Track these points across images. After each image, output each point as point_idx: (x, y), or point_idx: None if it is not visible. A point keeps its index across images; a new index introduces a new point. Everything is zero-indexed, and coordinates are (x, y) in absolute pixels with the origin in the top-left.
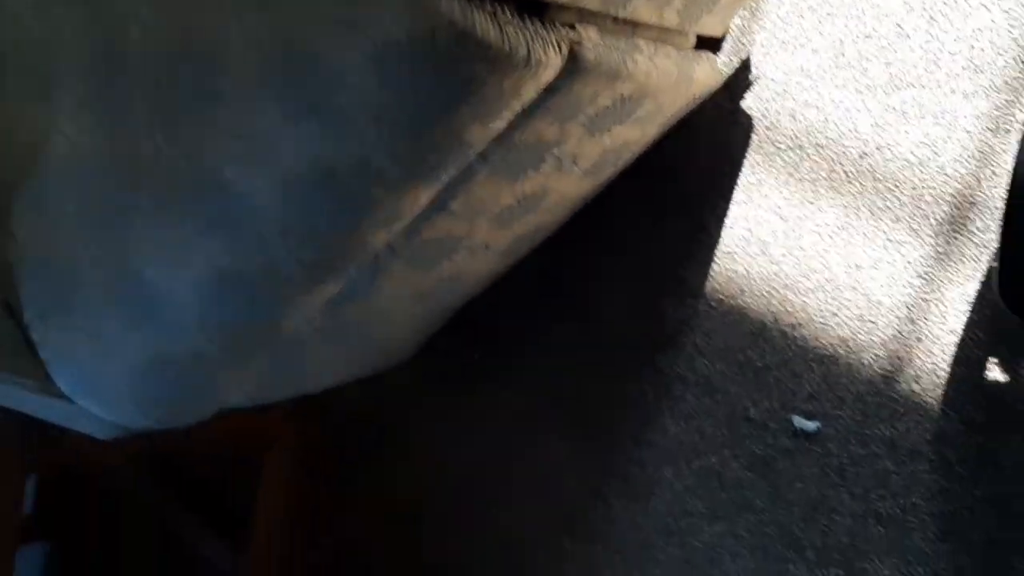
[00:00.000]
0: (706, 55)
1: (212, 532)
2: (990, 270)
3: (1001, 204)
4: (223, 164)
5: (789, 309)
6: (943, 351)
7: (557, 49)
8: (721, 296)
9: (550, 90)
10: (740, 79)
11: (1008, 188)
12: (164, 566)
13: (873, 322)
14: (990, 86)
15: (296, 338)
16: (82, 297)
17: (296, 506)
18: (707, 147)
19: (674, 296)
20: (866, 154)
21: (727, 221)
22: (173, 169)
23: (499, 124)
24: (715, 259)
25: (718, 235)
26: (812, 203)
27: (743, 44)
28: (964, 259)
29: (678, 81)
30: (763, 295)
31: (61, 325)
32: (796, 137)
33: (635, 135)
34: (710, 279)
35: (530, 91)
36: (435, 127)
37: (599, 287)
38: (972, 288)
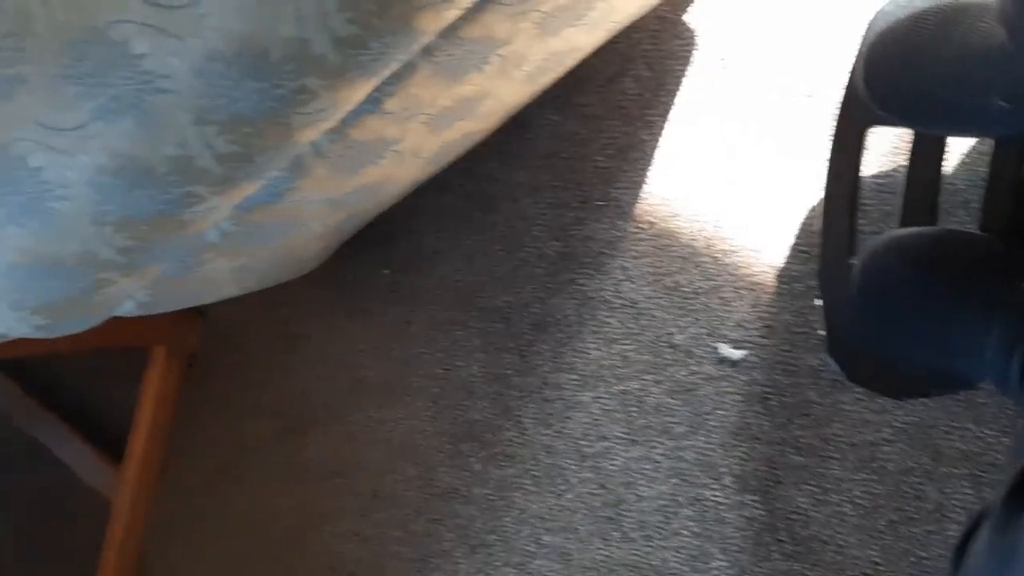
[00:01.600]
0: None
1: (85, 444)
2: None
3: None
4: (132, 36)
5: (722, 235)
6: None
7: None
8: (652, 219)
9: None
10: None
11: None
12: (32, 480)
13: (807, 252)
14: None
15: (199, 244)
16: None
17: (175, 415)
18: (646, 60)
19: (602, 216)
20: (812, 93)
21: (662, 140)
22: (68, 37)
23: (452, 13)
24: (647, 180)
25: (652, 154)
26: (753, 132)
27: None
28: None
29: None
30: (696, 220)
31: None
32: (742, 59)
33: (583, 39)
34: (641, 200)
35: None
36: (391, 7)
37: (524, 203)
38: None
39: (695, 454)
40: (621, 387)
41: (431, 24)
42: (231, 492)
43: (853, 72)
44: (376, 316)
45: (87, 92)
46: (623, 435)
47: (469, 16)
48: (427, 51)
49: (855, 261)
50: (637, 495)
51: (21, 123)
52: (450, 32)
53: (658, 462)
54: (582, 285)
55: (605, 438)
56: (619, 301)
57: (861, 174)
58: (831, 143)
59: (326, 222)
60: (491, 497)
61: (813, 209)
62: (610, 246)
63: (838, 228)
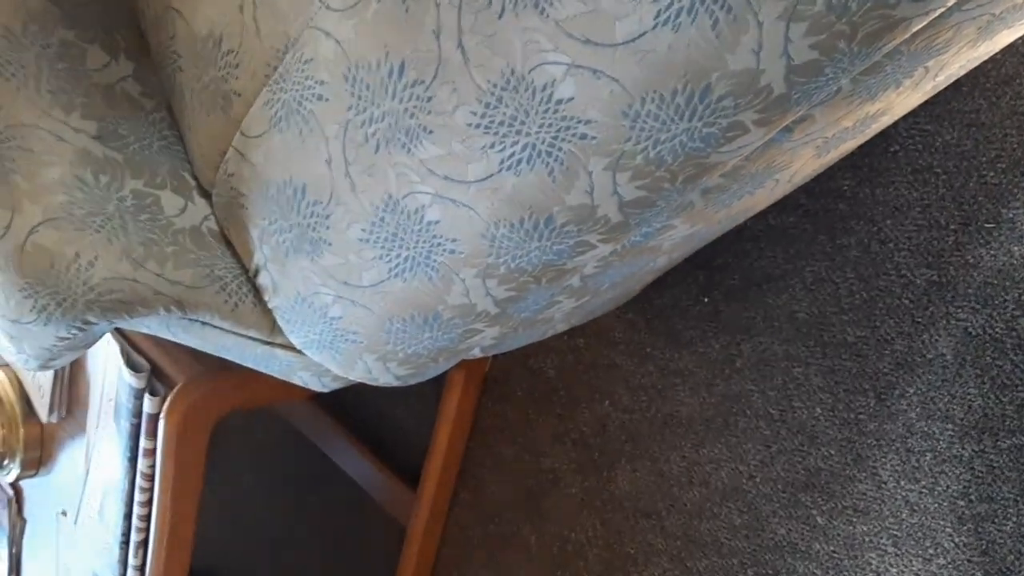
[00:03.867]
0: None
1: (378, 465)
2: None
3: None
4: (558, 78)
5: None
6: None
7: None
8: None
9: None
10: None
11: None
12: (325, 497)
13: None
14: None
15: (561, 288)
16: (337, 235)
17: (470, 439)
18: None
19: (992, 241)
20: None
21: None
22: (486, 84)
23: (920, 24)
24: None
25: None
26: None
27: None
28: None
29: None
30: None
31: (303, 268)
32: None
33: (1006, 40)
34: None
35: None
36: (865, 25)
37: (884, 225)
38: None
39: None
40: (1013, 441)
41: (895, 41)
42: (530, 522)
43: None
44: (694, 347)
45: (499, 141)
46: (1015, 496)
47: (926, 27)
48: (871, 70)
49: None
50: None
51: (421, 176)
52: (896, 47)
53: None
54: (963, 320)
55: (991, 499)
56: (1013, 341)
57: None
58: None
59: (673, 255)
60: (837, 555)
61: None
62: (1002, 276)
63: None
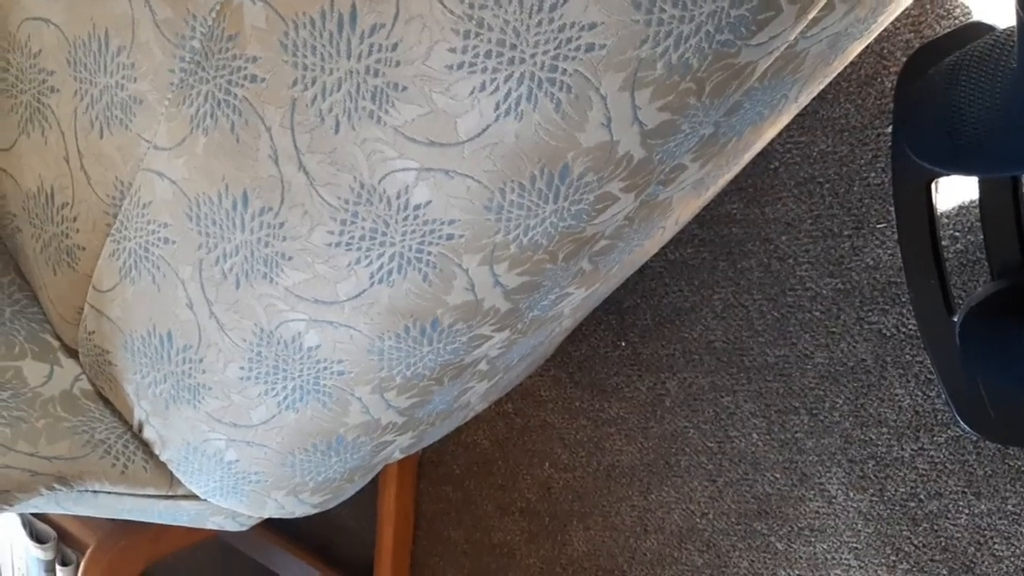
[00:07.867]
0: None
1: (333, 573)
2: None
3: None
4: (411, 184)
5: None
6: None
7: None
8: (954, 232)
9: None
10: None
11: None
12: None
13: None
14: None
15: (469, 376)
16: (215, 378)
17: (415, 526)
18: (909, 52)
19: (886, 240)
20: None
21: None
22: (337, 200)
23: (766, 64)
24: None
25: None
26: None
27: None
28: None
29: None
30: None
31: (187, 417)
32: None
33: (861, 48)
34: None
35: None
36: (711, 79)
37: (779, 241)
38: None
39: None
40: (949, 434)
41: (745, 86)
42: None
43: (895, 132)
44: (622, 393)
45: (363, 256)
46: (963, 488)
47: (772, 64)
48: (731, 111)
49: (956, 319)
50: (994, 555)
51: (290, 303)
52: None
53: (1016, 515)
54: (875, 323)
55: (940, 495)
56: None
57: (939, 229)
58: (894, 205)
59: (577, 315)
60: None
61: None
62: (903, 273)
63: (927, 291)
